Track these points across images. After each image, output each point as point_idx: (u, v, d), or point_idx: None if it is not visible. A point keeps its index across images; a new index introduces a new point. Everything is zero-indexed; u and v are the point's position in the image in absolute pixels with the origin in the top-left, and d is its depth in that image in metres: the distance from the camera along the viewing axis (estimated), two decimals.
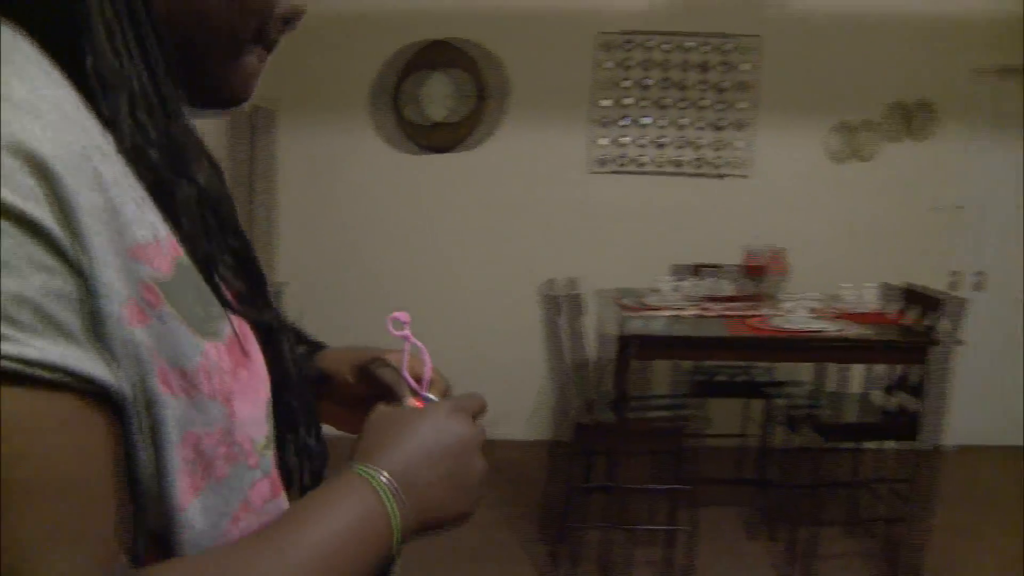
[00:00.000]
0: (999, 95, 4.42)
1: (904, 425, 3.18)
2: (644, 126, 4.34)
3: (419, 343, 0.73)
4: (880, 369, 3.49)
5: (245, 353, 0.54)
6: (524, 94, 4.27)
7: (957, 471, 4.30)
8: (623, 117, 4.33)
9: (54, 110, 0.43)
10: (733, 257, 3.68)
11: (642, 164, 4.36)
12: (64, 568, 0.40)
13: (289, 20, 0.60)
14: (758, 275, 3.52)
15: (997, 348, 4.63)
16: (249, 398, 0.54)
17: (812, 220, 4.42)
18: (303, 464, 0.63)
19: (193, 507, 0.48)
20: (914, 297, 3.43)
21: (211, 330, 0.51)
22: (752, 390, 3.82)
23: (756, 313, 3.25)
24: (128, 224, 0.45)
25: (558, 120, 4.31)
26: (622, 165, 4.36)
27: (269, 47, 0.61)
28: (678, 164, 4.37)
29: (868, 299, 3.47)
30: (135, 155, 0.47)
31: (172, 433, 0.46)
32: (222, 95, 0.60)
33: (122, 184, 0.45)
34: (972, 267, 4.57)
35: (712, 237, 4.18)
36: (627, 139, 4.34)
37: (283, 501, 0.58)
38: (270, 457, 0.57)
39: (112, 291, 0.43)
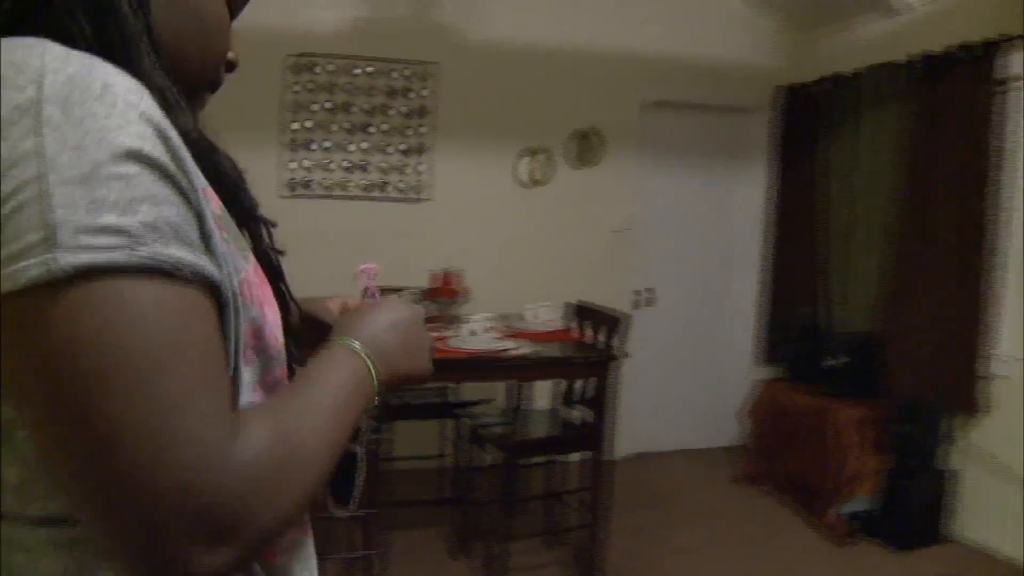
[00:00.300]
0: (659, 126, 4.87)
1: (586, 437, 3.35)
2: (329, 150, 4.28)
3: (376, 293, 1.01)
4: (566, 384, 3.66)
5: (263, 278, 0.72)
6: (209, 115, 4.06)
7: (635, 476, 4.64)
8: (311, 141, 4.24)
9: (145, 94, 0.57)
10: (420, 280, 3.71)
11: (329, 188, 4.28)
12: (214, 404, 0.54)
13: (231, 67, 0.81)
14: (442, 297, 3.58)
15: (665, 359, 5.07)
16: (272, 309, 0.72)
17: (498, 242, 4.57)
18: (292, 364, 0.78)
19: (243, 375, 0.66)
20: (587, 314, 3.64)
21: (244, 254, 0.68)
22: (447, 411, 3.86)
23: (440, 335, 3.28)
24: (197, 174, 0.61)
25: (247, 143, 4.13)
26: (310, 189, 4.26)
27: (214, 89, 0.80)
28: (365, 188, 4.34)
29: (547, 317, 3.64)
30: (182, 135, 0.60)
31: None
32: None
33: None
34: (644, 284, 4.97)
35: (400, 260, 4.19)
36: (313, 163, 4.26)
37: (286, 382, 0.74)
38: (284, 354, 0.75)
39: (209, 217, 0.60)
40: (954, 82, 3.73)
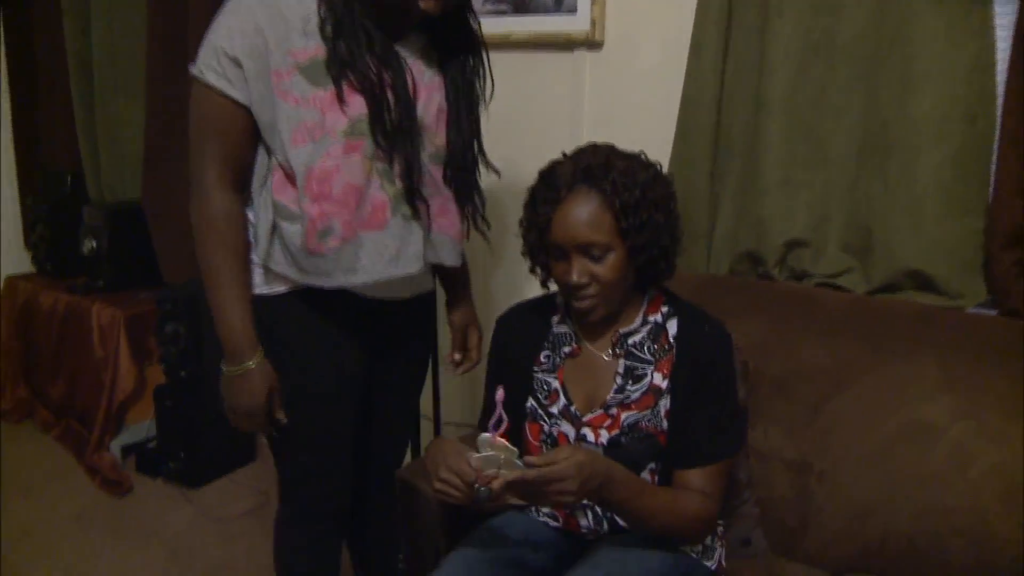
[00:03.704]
0: None
1: None
2: None
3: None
4: None
5: (342, 97, 1.32)
6: None
7: None
8: None
9: (253, 19, 1.31)
10: None
11: None
12: (215, 152, 1.34)
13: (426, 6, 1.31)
14: None
15: None
16: (336, 114, 1.31)
17: None
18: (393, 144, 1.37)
19: (298, 149, 1.31)
20: None
21: (322, 84, 1.30)
22: None
23: None
24: (293, 42, 1.30)
25: None
26: None
27: (408, 17, 1.39)
28: None
29: None
30: (332, 28, 1.31)
31: (287, 123, 1.31)
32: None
33: (291, 27, 1.31)
34: None
35: None
36: None
37: (354, 161, 1.34)
38: (344, 138, 1.32)
39: (272, 75, 1.30)
40: None
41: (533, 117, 2.21)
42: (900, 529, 1.49)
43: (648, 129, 1.96)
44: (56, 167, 3.52)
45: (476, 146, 1.51)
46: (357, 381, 1.55)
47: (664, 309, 1.42)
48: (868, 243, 1.71)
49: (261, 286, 1.44)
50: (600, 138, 1.85)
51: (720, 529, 1.50)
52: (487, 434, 1.19)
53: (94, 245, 3.07)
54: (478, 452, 1.18)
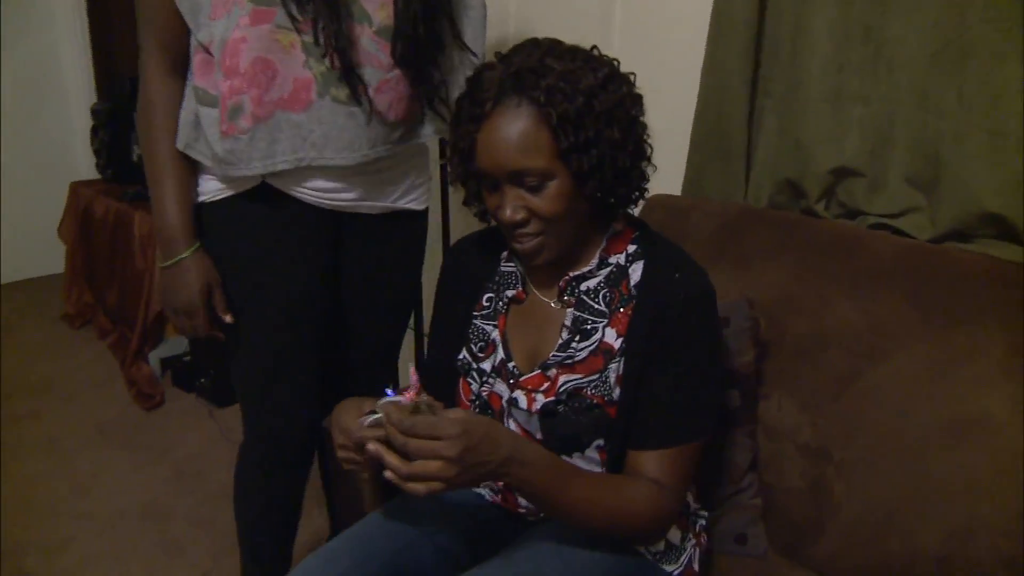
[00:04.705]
0: None
1: None
2: None
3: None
4: None
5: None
6: None
7: None
8: None
9: None
10: None
11: None
12: (154, 52, 1.25)
13: None
14: None
15: None
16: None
17: None
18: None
19: (216, 23, 1.19)
20: None
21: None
22: None
23: None
24: None
25: None
26: None
27: None
28: None
29: None
30: None
31: None
32: None
33: None
34: None
35: None
36: None
37: (262, 32, 1.19)
38: (251, 6, 1.17)
39: None
40: None
41: (560, 10, 1.89)
42: (931, 546, 1.15)
43: (683, 25, 1.61)
44: (124, 71, 3.45)
45: (437, 17, 1.28)
46: (312, 300, 1.38)
47: (630, 249, 1.11)
48: (936, 176, 1.32)
49: (205, 193, 1.32)
50: (632, 38, 1.52)
51: (702, 523, 1.22)
52: (387, 398, 0.95)
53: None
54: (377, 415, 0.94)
